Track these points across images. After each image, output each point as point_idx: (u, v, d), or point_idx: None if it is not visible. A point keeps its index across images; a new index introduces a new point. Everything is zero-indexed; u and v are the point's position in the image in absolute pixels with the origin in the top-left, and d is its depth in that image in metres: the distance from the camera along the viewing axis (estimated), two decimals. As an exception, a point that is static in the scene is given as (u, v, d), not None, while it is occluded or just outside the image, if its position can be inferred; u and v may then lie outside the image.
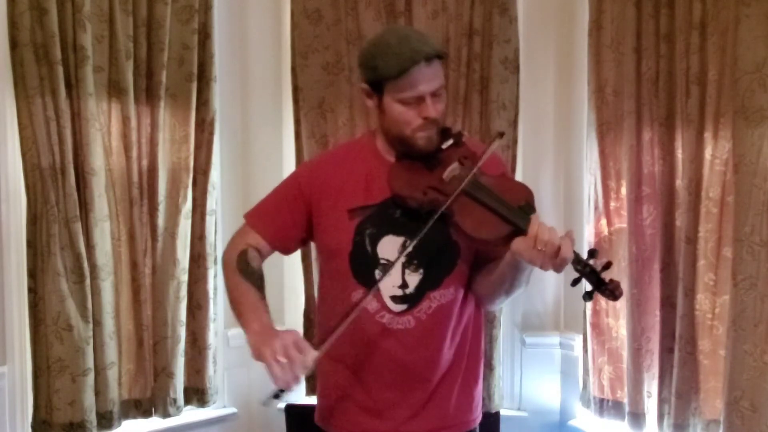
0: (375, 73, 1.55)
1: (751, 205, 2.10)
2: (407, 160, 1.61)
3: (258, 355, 1.43)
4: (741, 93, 2.11)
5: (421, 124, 1.55)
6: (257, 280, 1.63)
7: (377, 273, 1.60)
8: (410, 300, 1.61)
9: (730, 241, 2.19)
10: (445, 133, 1.60)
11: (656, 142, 2.37)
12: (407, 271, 1.60)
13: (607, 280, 1.44)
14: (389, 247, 1.60)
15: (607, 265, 1.46)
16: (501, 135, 1.68)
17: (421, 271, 1.60)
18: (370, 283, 1.57)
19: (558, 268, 1.42)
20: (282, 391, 1.39)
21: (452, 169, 1.57)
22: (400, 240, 1.59)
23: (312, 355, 1.42)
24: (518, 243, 1.43)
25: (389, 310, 1.61)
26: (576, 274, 1.46)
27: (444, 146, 1.58)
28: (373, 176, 1.63)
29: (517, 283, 1.58)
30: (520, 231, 1.44)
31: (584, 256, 1.45)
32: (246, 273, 1.63)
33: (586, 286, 1.47)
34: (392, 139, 1.62)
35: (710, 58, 2.20)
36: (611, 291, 1.43)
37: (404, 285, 1.60)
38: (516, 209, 1.48)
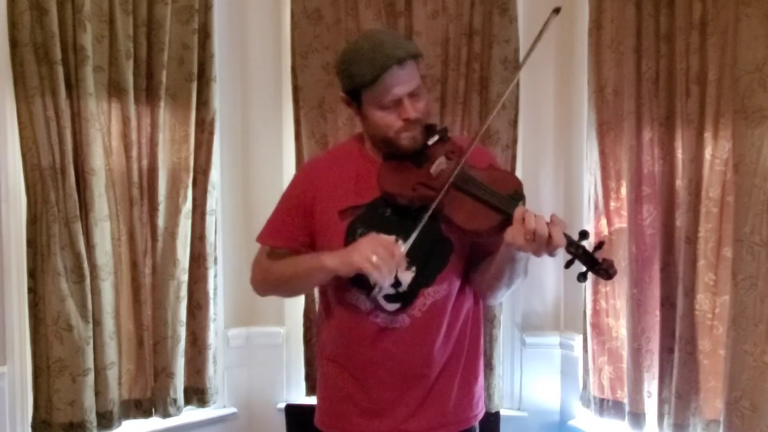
0: (351, 81, 1.57)
1: (751, 205, 2.10)
2: (395, 159, 1.62)
3: (350, 266, 1.49)
4: (741, 93, 2.11)
5: (403, 126, 1.57)
6: (293, 255, 1.70)
7: (391, 238, 1.59)
8: (404, 298, 1.61)
9: (730, 241, 2.18)
10: (430, 129, 1.62)
11: (656, 142, 2.37)
12: (399, 270, 1.58)
13: (600, 259, 1.44)
14: None
15: (600, 245, 1.46)
16: (557, 10, 1.59)
17: (414, 268, 1.61)
18: (362, 284, 1.57)
19: (551, 253, 1.43)
20: (381, 286, 1.47)
21: (439, 163, 1.58)
22: (391, 239, 1.59)
23: (399, 249, 1.48)
24: (509, 234, 1.44)
25: (383, 310, 1.61)
26: (569, 257, 1.46)
27: (430, 143, 1.59)
28: (363, 176, 1.65)
29: (516, 274, 1.59)
30: (512, 219, 1.45)
31: (575, 237, 1.45)
32: (281, 256, 1.70)
33: (580, 267, 1.47)
34: (377, 142, 1.64)
35: (710, 58, 2.20)
36: (605, 270, 1.43)
37: (397, 283, 1.60)
38: (505, 198, 1.49)
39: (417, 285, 1.61)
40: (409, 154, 1.60)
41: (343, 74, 1.59)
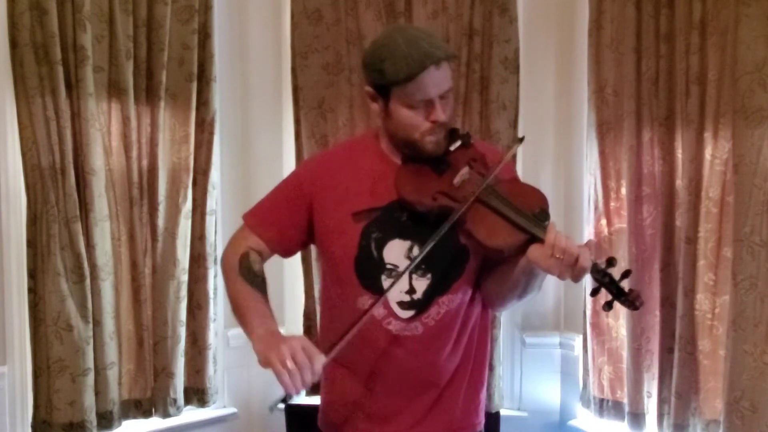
0: (382, 76, 1.50)
1: (751, 205, 2.10)
2: (414, 163, 1.56)
3: (265, 362, 1.40)
4: (741, 93, 2.11)
5: (430, 128, 1.51)
6: (260, 284, 1.61)
7: (383, 278, 1.56)
8: (418, 306, 1.57)
9: (730, 241, 2.19)
10: (453, 134, 1.56)
11: (656, 142, 2.37)
12: (414, 277, 1.56)
13: (626, 289, 1.40)
14: (395, 251, 1.56)
15: (626, 274, 1.42)
16: (521, 140, 1.63)
17: (429, 276, 1.56)
18: (375, 288, 1.54)
19: (576, 278, 1.38)
20: (289, 396, 1.38)
21: (463, 173, 1.53)
22: (406, 244, 1.56)
23: (320, 360, 1.39)
24: (535, 252, 1.39)
25: (396, 317, 1.57)
26: (594, 283, 1.42)
27: (452, 148, 1.54)
28: (379, 178, 1.59)
29: (531, 288, 1.55)
30: (536, 239, 1.40)
31: (602, 264, 1.40)
32: (248, 277, 1.60)
33: (605, 295, 1.42)
34: (398, 142, 1.58)
35: (710, 58, 2.20)
36: (631, 301, 1.39)
37: (412, 290, 1.56)
38: (531, 217, 1.44)
39: (432, 293, 1.57)
40: (429, 159, 1.55)
41: (373, 69, 1.52)
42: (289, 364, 1.36)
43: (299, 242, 1.69)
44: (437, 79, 1.48)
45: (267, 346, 1.43)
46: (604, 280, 1.40)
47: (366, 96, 1.59)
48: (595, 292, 1.44)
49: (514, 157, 2.64)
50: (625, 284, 1.41)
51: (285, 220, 1.65)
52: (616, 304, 1.43)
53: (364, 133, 1.77)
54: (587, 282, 1.49)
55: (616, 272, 1.41)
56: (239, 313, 1.60)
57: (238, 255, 1.63)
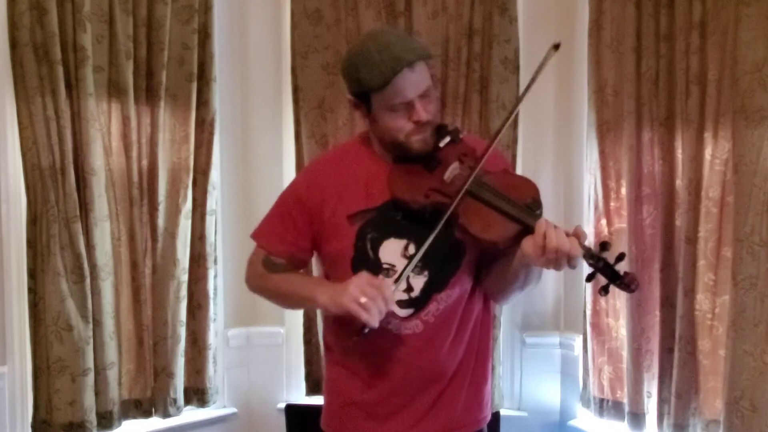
0: (359, 85, 1.52)
1: (751, 205, 2.10)
2: (406, 163, 1.58)
3: (339, 307, 1.46)
4: (741, 93, 2.11)
5: (414, 129, 1.53)
6: (289, 269, 1.69)
7: (380, 278, 1.56)
8: (416, 303, 1.58)
9: (730, 241, 2.19)
10: (441, 130, 1.57)
11: (656, 142, 2.37)
12: (411, 275, 1.56)
13: (621, 272, 1.41)
14: (391, 250, 1.57)
15: (621, 257, 1.42)
16: (557, 47, 1.57)
17: (426, 273, 1.58)
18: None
19: (571, 268, 1.40)
20: (365, 328, 1.44)
21: (453, 168, 1.55)
22: (402, 243, 1.57)
23: (389, 287, 1.45)
24: (528, 248, 1.40)
25: (395, 316, 1.58)
26: (590, 269, 1.42)
27: (441, 144, 1.55)
28: (372, 179, 1.61)
29: (531, 279, 1.57)
30: (529, 230, 1.41)
31: (596, 249, 1.41)
32: (276, 269, 1.67)
33: (600, 279, 1.43)
34: (387, 145, 1.60)
35: (710, 58, 2.20)
36: (627, 284, 1.40)
37: (409, 289, 1.57)
38: (523, 207, 1.45)
39: (429, 290, 1.58)
40: (419, 157, 1.57)
41: (350, 78, 1.55)
42: (363, 299, 1.41)
43: (308, 250, 1.70)
44: (413, 81, 1.49)
45: (334, 294, 1.48)
46: (598, 264, 1.41)
47: (349, 104, 1.60)
48: (590, 278, 1.45)
49: (514, 157, 2.68)
50: (620, 268, 1.42)
51: (291, 231, 1.67)
52: (613, 288, 1.44)
53: (355, 136, 1.78)
54: (588, 282, 1.49)
55: (610, 256, 1.42)
56: (289, 297, 1.67)
57: (258, 265, 1.70)
